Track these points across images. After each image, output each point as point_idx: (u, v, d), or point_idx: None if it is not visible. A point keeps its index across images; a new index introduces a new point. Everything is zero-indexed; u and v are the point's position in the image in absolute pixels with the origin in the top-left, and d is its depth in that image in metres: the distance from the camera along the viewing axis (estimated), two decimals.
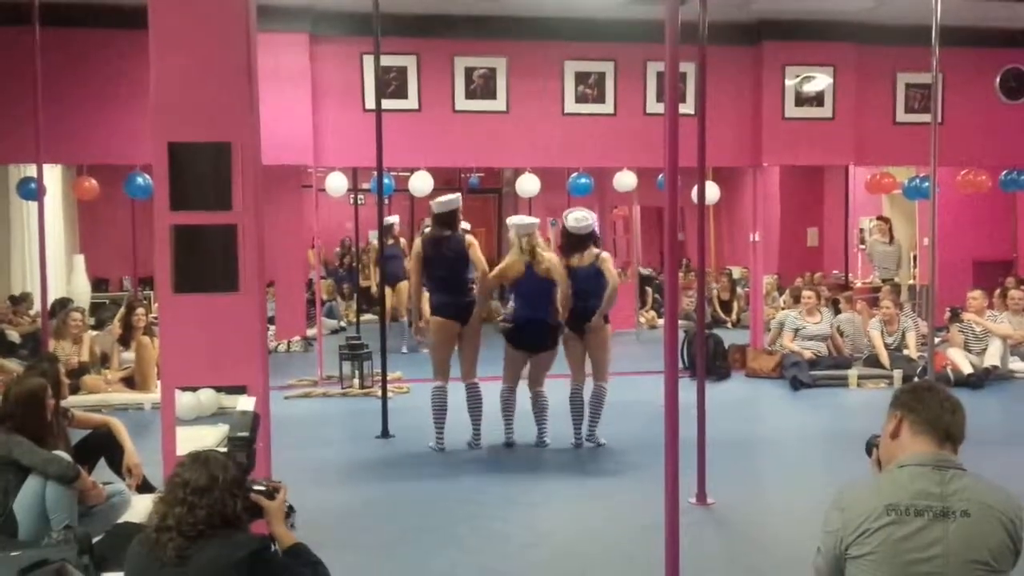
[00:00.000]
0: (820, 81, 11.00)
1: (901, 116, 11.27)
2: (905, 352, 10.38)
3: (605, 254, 7.37)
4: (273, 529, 3.24)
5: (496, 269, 7.49)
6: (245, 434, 3.36)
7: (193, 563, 2.85)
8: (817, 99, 11.02)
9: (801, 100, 11.00)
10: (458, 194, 7.56)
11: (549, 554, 5.12)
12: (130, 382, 9.37)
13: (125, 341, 9.55)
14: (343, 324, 14.96)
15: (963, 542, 2.53)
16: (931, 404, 2.73)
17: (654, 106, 10.64)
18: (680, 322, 4.43)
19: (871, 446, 2.97)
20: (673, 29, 3.95)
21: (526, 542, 5.28)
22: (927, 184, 9.53)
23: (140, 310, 9.71)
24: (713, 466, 5.94)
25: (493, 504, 6.01)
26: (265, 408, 5.18)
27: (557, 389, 7.52)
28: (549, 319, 7.25)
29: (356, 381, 9.87)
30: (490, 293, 8.05)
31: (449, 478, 6.64)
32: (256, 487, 3.23)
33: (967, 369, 10.00)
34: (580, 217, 7.35)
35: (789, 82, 10.94)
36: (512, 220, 7.53)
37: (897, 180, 12.85)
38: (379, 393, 8.16)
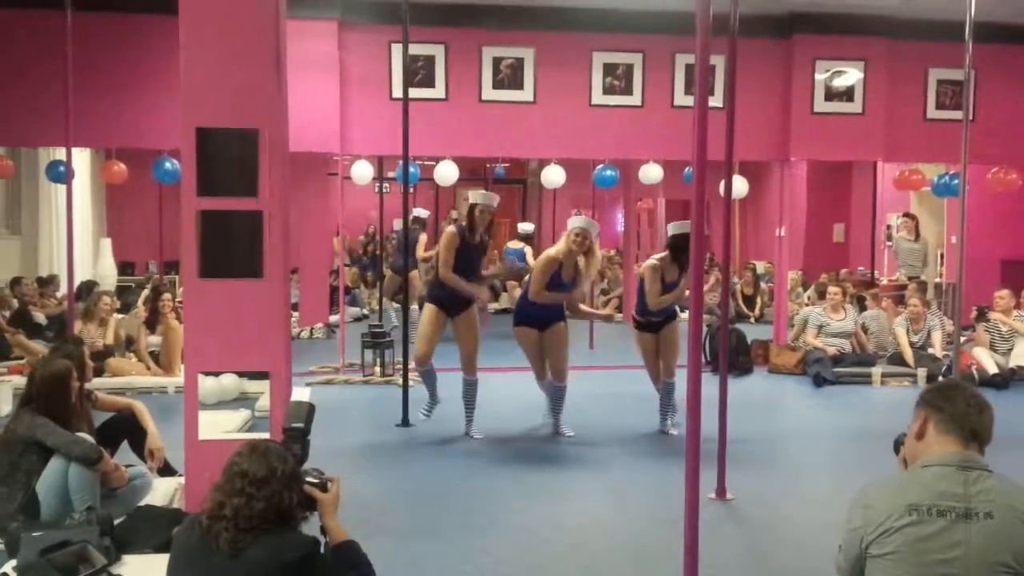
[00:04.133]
0: (851, 76, 10.90)
1: (932, 112, 11.14)
2: (930, 351, 10.31)
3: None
4: (325, 522, 3.23)
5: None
6: (300, 425, 3.34)
7: (245, 557, 2.84)
8: (847, 94, 10.92)
9: (831, 94, 10.90)
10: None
11: (567, 546, 5.12)
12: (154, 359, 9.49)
13: (151, 325, 9.62)
14: (366, 312, 15.00)
15: (985, 544, 2.50)
16: (958, 404, 2.70)
17: (682, 99, 10.57)
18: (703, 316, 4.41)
19: (899, 444, 2.94)
20: (704, 21, 3.92)
21: (544, 534, 5.27)
22: (956, 181, 9.45)
23: (167, 295, 9.78)
24: (733, 461, 5.92)
25: (512, 495, 6.01)
26: (287, 394, 5.20)
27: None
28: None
29: (378, 369, 9.90)
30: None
31: (468, 468, 6.64)
32: (309, 479, 3.21)
33: (992, 369, 9.91)
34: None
35: (819, 76, 10.85)
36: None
37: (926, 177, 12.73)
38: (400, 381, 8.18)
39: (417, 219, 13.07)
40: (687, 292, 7.24)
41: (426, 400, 7.60)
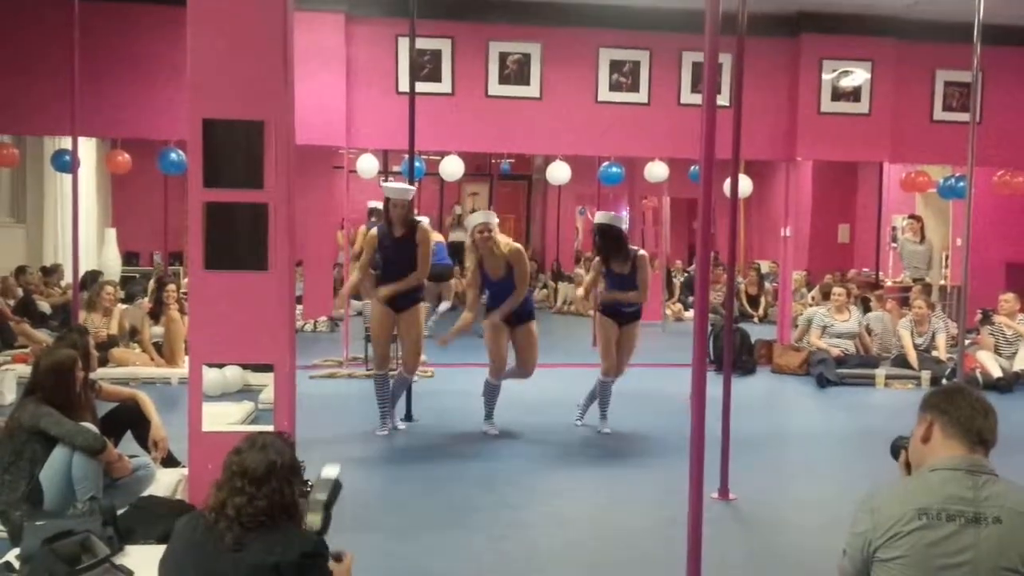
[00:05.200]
0: (858, 76, 10.88)
1: (939, 114, 11.13)
2: (934, 353, 10.29)
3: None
4: None
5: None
6: (322, 497, 3.34)
7: (248, 553, 2.84)
8: (854, 94, 10.91)
9: (838, 94, 10.89)
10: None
11: (568, 542, 5.12)
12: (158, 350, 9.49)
13: (155, 315, 9.63)
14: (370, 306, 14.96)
15: (994, 549, 2.49)
16: (963, 407, 2.69)
17: (688, 96, 10.57)
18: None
19: (897, 448, 2.94)
20: (713, 19, 3.91)
21: (545, 529, 5.27)
22: (962, 184, 9.42)
23: (171, 286, 9.79)
24: (736, 461, 5.91)
25: (514, 490, 6.01)
26: (291, 386, 5.20)
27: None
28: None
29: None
30: None
31: (471, 463, 6.64)
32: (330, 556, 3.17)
33: (996, 372, 9.90)
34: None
35: (826, 76, 10.84)
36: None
37: (932, 179, 12.72)
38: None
39: (376, 211, 11.90)
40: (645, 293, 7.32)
41: (379, 414, 7.46)
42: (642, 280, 7.36)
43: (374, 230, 7.40)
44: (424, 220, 7.29)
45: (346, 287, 7.86)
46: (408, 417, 7.79)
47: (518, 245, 7.39)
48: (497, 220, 7.52)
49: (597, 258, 7.53)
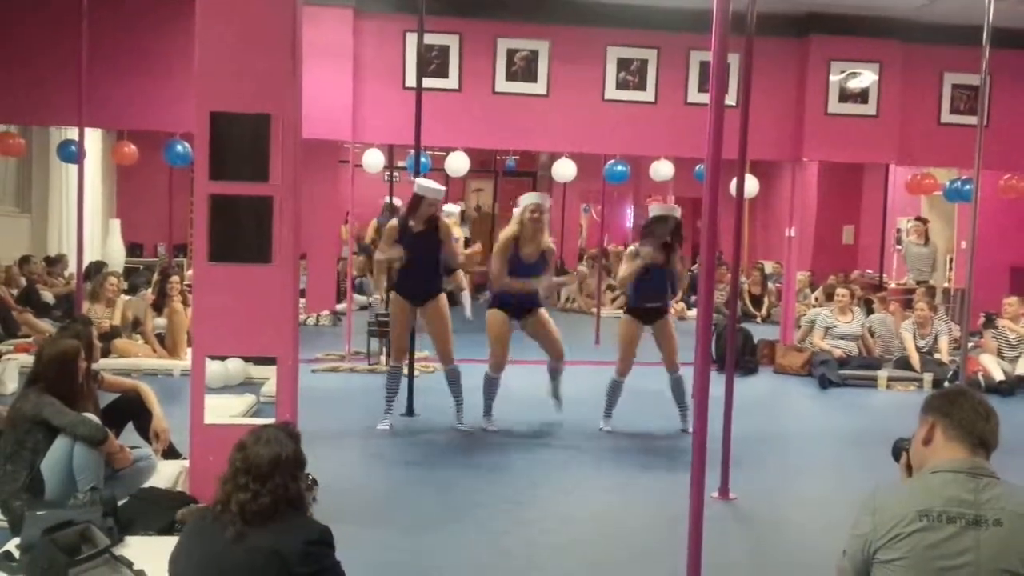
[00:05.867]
0: (865, 77, 10.87)
1: (946, 117, 11.11)
2: (936, 356, 10.28)
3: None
4: None
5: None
6: None
7: (247, 543, 2.86)
8: (861, 96, 10.89)
9: (845, 96, 10.88)
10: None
11: (569, 540, 5.12)
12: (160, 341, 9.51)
13: (158, 307, 9.64)
14: (372, 300, 15.00)
15: (994, 551, 2.49)
16: (965, 410, 2.69)
17: (695, 96, 10.56)
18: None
19: (898, 450, 2.93)
20: (722, 18, 3.91)
21: (546, 527, 5.27)
22: (968, 187, 9.40)
23: (175, 277, 9.79)
24: (737, 461, 5.91)
25: (515, 487, 6.01)
26: (293, 380, 5.21)
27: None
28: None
29: (383, 358, 9.90)
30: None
31: (472, 459, 6.65)
32: None
33: (999, 376, 9.88)
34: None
35: (834, 77, 10.82)
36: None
37: (938, 181, 12.69)
38: (405, 370, 8.17)
39: (390, 206, 12.02)
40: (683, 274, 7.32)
41: (384, 406, 7.46)
42: (679, 273, 7.51)
43: (393, 221, 7.41)
44: (454, 209, 7.30)
45: (377, 279, 7.73)
46: (409, 412, 7.79)
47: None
48: (550, 203, 7.60)
49: (635, 249, 7.49)
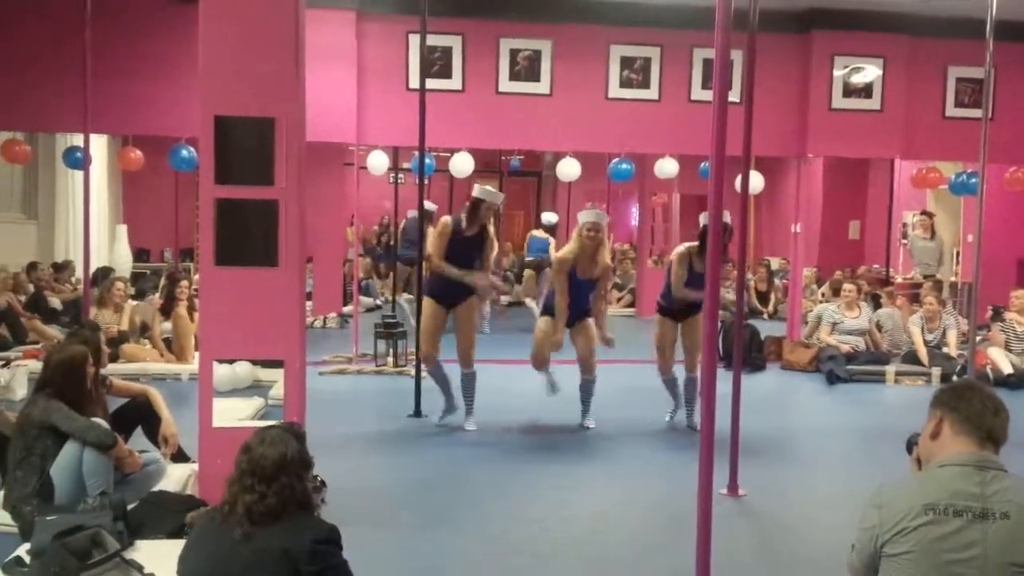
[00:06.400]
0: (869, 72, 10.84)
1: (951, 111, 11.08)
2: (945, 350, 10.26)
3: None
4: None
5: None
6: None
7: (259, 543, 2.87)
8: (865, 90, 10.87)
9: (849, 91, 10.85)
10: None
11: (577, 537, 5.12)
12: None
13: (166, 312, 9.66)
14: (379, 302, 15.03)
15: (1002, 544, 2.49)
16: (973, 404, 2.68)
17: (699, 93, 10.55)
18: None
19: (911, 444, 2.93)
20: (724, 15, 3.91)
21: (553, 526, 5.27)
22: (974, 180, 9.38)
23: (183, 282, 9.81)
24: (746, 457, 5.90)
25: (522, 486, 6.02)
26: (301, 382, 5.21)
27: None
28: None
29: (390, 359, 9.91)
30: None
31: (478, 459, 6.65)
32: None
33: (1007, 369, 9.87)
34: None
35: (838, 72, 10.80)
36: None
37: (944, 175, 12.67)
38: (413, 372, 8.19)
39: (429, 212, 13.01)
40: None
41: (442, 403, 7.59)
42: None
43: (447, 218, 7.45)
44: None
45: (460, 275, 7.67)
46: (417, 414, 7.81)
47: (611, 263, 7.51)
48: (608, 220, 7.59)
49: (684, 251, 7.46)
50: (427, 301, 7.48)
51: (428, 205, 13.12)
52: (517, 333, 9.84)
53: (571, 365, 7.64)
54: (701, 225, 7.27)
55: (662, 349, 7.59)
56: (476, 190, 7.36)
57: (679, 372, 7.66)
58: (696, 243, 7.39)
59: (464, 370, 7.48)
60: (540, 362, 7.52)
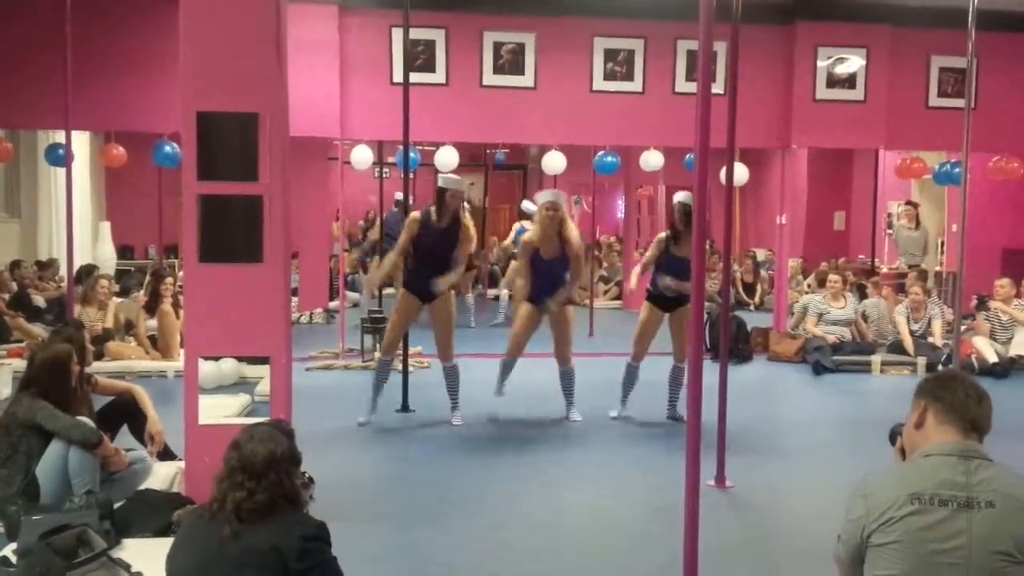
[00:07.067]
0: (852, 63, 10.87)
1: (934, 100, 11.11)
2: (930, 339, 10.31)
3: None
4: None
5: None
6: None
7: (248, 540, 2.86)
8: (849, 81, 10.89)
9: (833, 82, 10.88)
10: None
11: (565, 531, 5.13)
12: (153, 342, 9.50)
13: (151, 309, 9.61)
14: (360, 299, 14.97)
15: (987, 533, 2.50)
16: (957, 393, 2.69)
17: (683, 85, 10.55)
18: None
19: (895, 435, 2.94)
20: (708, 7, 3.90)
21: (542, 519, 5.28)
22: (958, 170, 9.41)
23: (168, 279, 9.77)
24: (732, 449, 5.92)
25: (510, 480, 6.02)
26: (287, 379, 5.20)
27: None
28: None
29: (377, 354, 9.88)
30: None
31: (467, 453, 6.65)
32: None
33: (992, 358, 9.92)
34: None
35: (821, 63, 10.82)
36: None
37: (928, 165, 12.71)
38: (399, 367, 8.18)
39: (401, 203, 12.47)
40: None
41: (369, 400, 7.48)
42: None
43: (416, 213, 7.38)
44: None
45: (382, 269, 7.80)
46: (404, 408, 7.80)
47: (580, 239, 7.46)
48: (564, 199, 7.58)
49: (663, 236, 7.47)
50: (402, 293, 7.44)
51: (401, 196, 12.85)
52: (502, 326, 9.83)
53: (550, 358, 7.63)
54: (674, 204, 7.43)
55: (641, 335, 7.57)
56: (439, 179, 7.32)
57: (654, 367, 7.67)
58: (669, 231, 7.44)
59: (445, 364, 7.45)
60: (515, 348, 7.52)
